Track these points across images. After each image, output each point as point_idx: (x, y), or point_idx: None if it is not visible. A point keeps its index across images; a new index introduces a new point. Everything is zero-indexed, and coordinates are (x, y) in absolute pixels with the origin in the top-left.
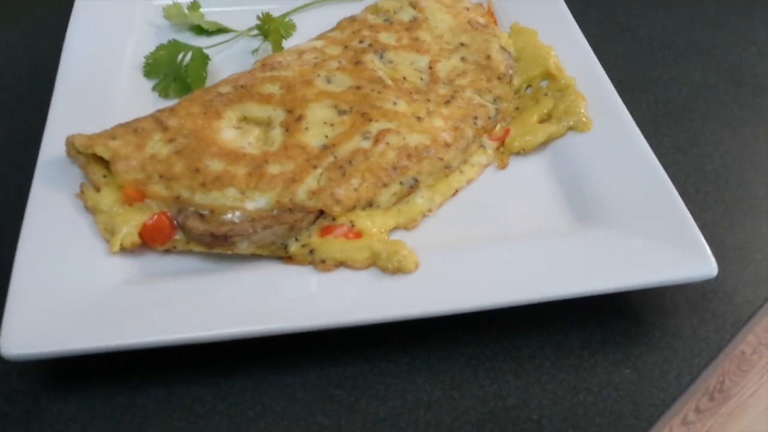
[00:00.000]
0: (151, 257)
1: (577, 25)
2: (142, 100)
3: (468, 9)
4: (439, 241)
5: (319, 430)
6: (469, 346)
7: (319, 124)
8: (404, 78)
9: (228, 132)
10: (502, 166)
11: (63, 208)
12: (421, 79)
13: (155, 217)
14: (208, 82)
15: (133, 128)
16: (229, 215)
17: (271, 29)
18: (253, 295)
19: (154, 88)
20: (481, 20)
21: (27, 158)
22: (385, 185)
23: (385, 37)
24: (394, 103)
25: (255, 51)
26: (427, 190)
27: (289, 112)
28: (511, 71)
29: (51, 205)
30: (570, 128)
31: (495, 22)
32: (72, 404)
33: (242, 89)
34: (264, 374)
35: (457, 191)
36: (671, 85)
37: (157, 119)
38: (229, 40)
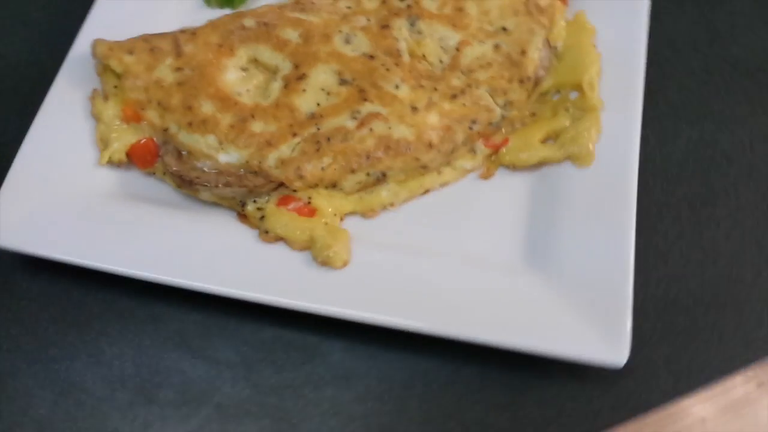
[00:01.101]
0: (134, 175)
1: (645, 33)
2: (186, 3)
3: None
4: (385, 238)
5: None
6: (344, 363)
7: (316, 89)
8: (424, 56)
9: (233, 73)
10: (486, 176)
11: (75, 107)
12: (441, 61)
13: (144, 141)
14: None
15: (150, 46)
16: (201, 162)
17: None
18: (188, 246)
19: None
20: (543, 2)
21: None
22: (352, 171)
23: (428, 1)
24: (397, 86)
25: None
26: (396, 184)
27: (296, 66)
28: (542, 72)
29: (66, 102)
30: (568, 158)
31: (565, 3)
32: (38, 287)
33: (264, 27)
34: (183, 307)
35: (428, 191)
36: (733, 134)
37: (176, 40)
38: None
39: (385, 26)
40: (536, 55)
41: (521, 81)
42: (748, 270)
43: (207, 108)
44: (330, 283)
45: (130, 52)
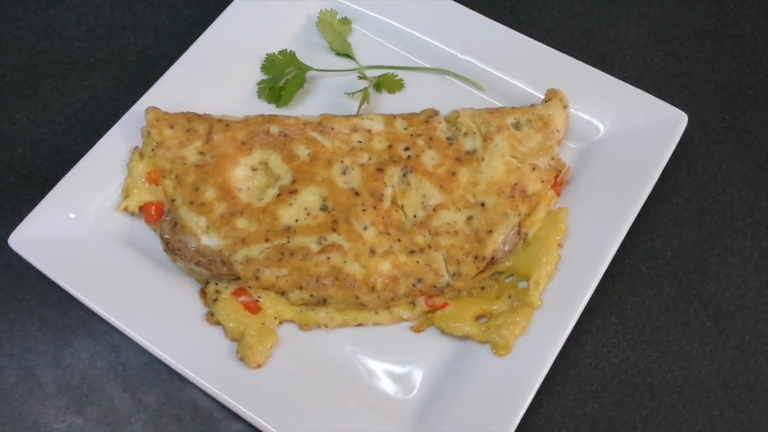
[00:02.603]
0: (141, 225)
1: (613, 249)
2: (243, 88)
3: (534, 168)
4: (309, 353)
5: None
6: None
7: (300, 207)
8: (402, 207)
9: (242, 170)
10: (417, 330)
11: (119, 155)
12: (415, 216)
13: (155, 202)
14: (298, 99)
15: (189, 126)
16: (187, 238)
17: (379, 80)
18: (149, 299)
19: (258, 84)
20: (532, 188)
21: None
22: (300, 287)
23: (429, 158)
24: (365, 228)
25: (351, 94)
26: (334, 309)
27: (294, 181)
28: (502, 255)
29: (114, 149)
30: (489, 342)
31: (556, 192)
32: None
33: (284, 138)
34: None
35: (360, 324)
36: (670, 371)
37: (211, 127)
38: (342, 70)
39: (380, 169)
40: (500, 238)
41: (476, 257)
42: None
43: (210, 194)
44: (239, 377)
45: (171, 127)
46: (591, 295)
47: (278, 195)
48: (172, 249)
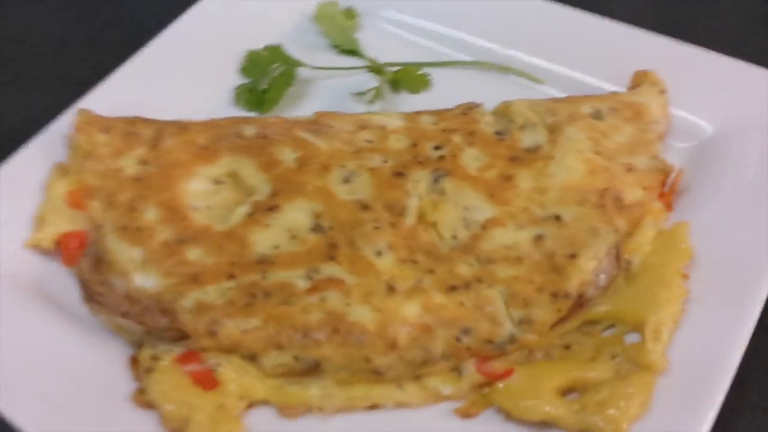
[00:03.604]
0: (55, 269)
1: None
2: (214, 94)
3: (629, 169)
4: None
5: None
6: None
7: (282, 228)
8: (435, 224)
9: (200, 183)
10: (466, 414)
11: (36, 174)
12: (455, 237)
13: (77, 233)
14: (288, 105)
15: (130, 130)
16: (115, 279)
17: (396, 76)
18: (47, 374)
19: (235, 89)
20: (631, 195)
21: None
22: (279, 347)
23: (471, 159)
24: (379, 253)
25: (359, 94)
26: (333, 383)
27: (274, 194)
28: (593, 292)
29: (29, 167)
30: (584, 430)
31: (666, 205)
32: None
33: (262, 140)
34: None
35: (375, 406)
36: None
37: (160, 130)
38: (351, 68)
39: (399, 174)
40: (590, 265)
41: (555, 295)
42: None
43: (150, 215)
44: None
45: (106, 131)
46: (744, 350)
47: (250, 214)
48: (91, 295)
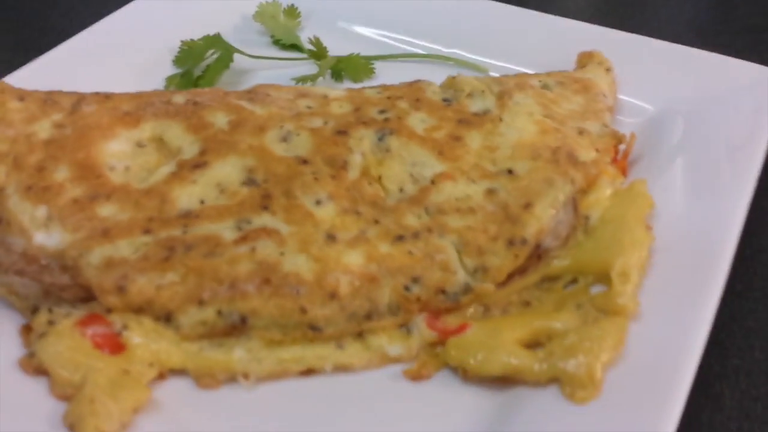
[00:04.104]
0: None
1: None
2: (146, 86)
3: (581, 132)
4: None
5: None
6: None
7: (210, 184)
8: (379, 178)
9: (120, 144)
10: (417, 377)
11: None
12: (401, 190)
13: None
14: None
15: (48, 98)
16: (12, 239)
17: (339, 65)
18: None
19: (166, 79)
20: (584, 155)
21: None
22: (200, 303)
23: (417, 120)
24: (318, 202)
25: (298, 79)
26: (261, 344)
27: (202, 153)
28: (552, 243)
29: None
30: (554, 379)
31: (622, 171)
32: None
33: (192, 106)
34: None
35: (311, 371)
36: None
37: (81, 99)
38: (290, 59)
39: (342, 132)
40: (548, 213)
41: (511, 242)
42: None
43: (60, 174)
44: None
45: (21, 99)
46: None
47: (174, 173)
48: None
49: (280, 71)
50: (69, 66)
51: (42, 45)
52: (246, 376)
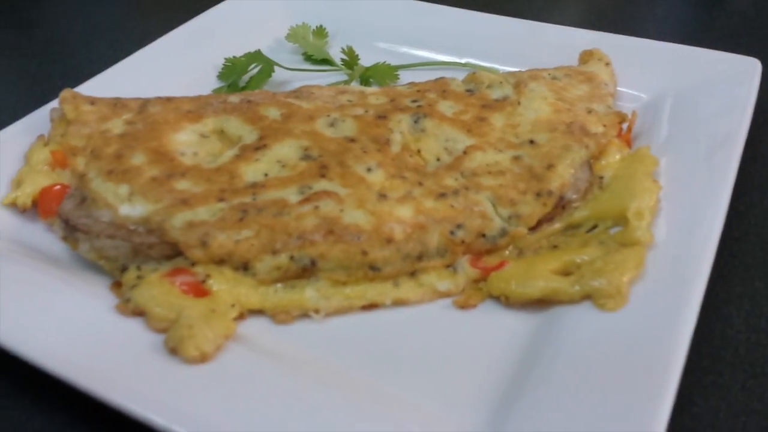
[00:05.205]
0: (34, 227)
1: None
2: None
3: (589, 111)
4: (284, 358)
5: None
6: None
7: (271, 161)
8: (419, 151)
9: (188, 134)
10: (464, 306)
11: (18, 146)
12: (438, 159)
13: (56, 186)
14: None
15: (117, 102)
16: (99, 212)
17: (367, 73)
18: (35, 312)
19: (212, 92)
20: (594, 128)
21: None
22: (273, 252)
23: (446, 107)
24: (369, 169)
25: (332, 85)
26: (328, 283)
27: (261, 138)
28: (573, 195)
29: (14, 140)
30: (588, 296)
31: (627, 143)
32: None
33: (247, 104)
34: None
35: (374, 306)
36: None
37: (147, 102)
38: (324, 71)
39: (382, 117)
40: (568, 171)
41: (539, 194)
42: None
43: (137, 159)
44: (168, 380)
45: (92, 103)
46: (715, 261)
47: (238, 155)
48: (73, 227)
49: (315, 81)
50: (119, 86)
51: (88, 72)
52: (317, 311)
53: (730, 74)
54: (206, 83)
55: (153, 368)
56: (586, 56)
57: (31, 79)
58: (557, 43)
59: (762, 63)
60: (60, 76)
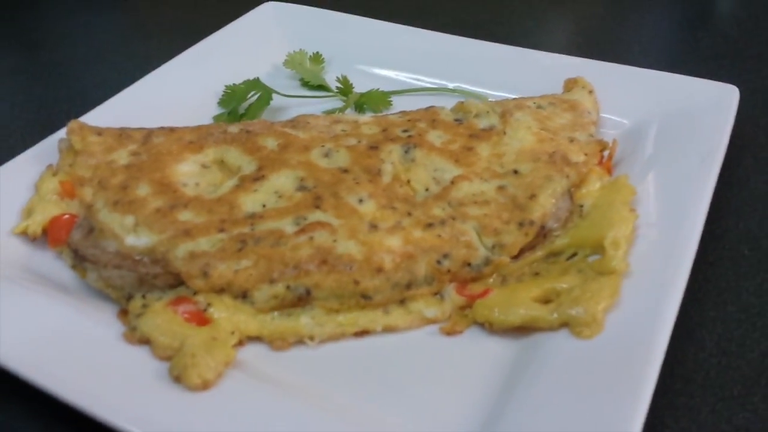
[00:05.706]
0: (44, 255)
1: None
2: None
3: (571, 140)
4: (287, 377)
5: None
6: None
7: (269, 192)
8: (408, 181)
9: (189, 165)
10: (452, 332)
11: (27, 175)
12: (427, 189)
13: (65, 216)
14: None
15: (122, 132)
16: (106, 242)
17: (361, 100)
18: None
19: (213, 118)
20: (575, 157)
21: None
22: (271, 281)
23: (435, 137)
24: (361, 200)
25: (327, 113)
26: (322, 311)
27: (259, 169)
28: (554, 224)
29: (23, 169)
30: (565, 324)
31: (607, 171)
32: None
33: (246, 134)
34: None
35: (365, 332)
36: None
37: (150, 132)
38: (320, 97)
39: (373, 147)
40: (549, 201)
41: (521, 224)
42: None
43: (142, 190)
44: (172, 410)
45: (99, 134)
46: (689, 284)
47: (238, 185)
48: (82, 257)
49: (312, 107)
50: (124, 113)
51: (94, 97)
52: (312, 338)
53: (708, 101)
54: (207, 109)
55: (157, 395)
56: (570, 84)
57: (38, 102)
58: (544, 68)
59: (743, 85)
60: (66, 100)
